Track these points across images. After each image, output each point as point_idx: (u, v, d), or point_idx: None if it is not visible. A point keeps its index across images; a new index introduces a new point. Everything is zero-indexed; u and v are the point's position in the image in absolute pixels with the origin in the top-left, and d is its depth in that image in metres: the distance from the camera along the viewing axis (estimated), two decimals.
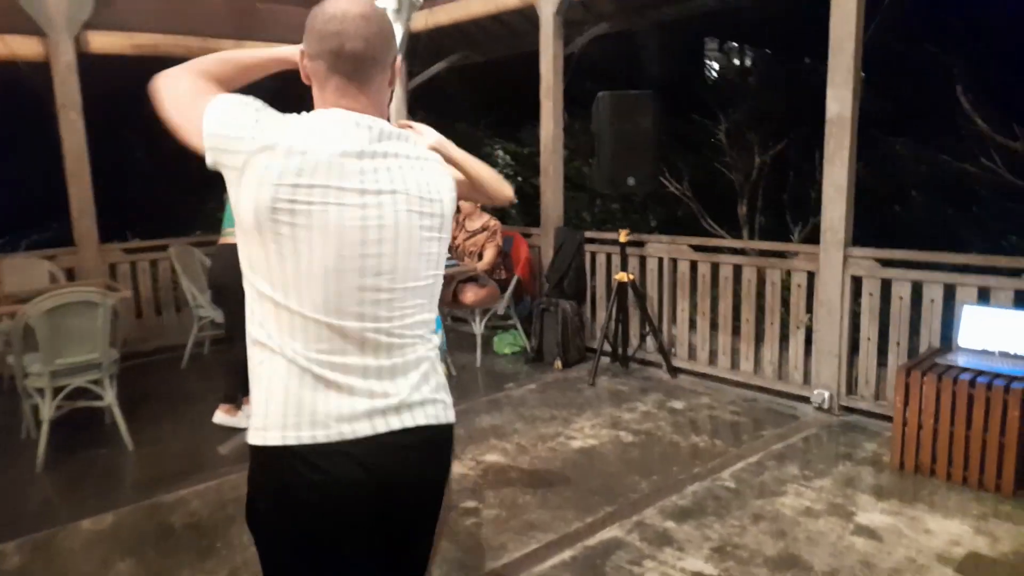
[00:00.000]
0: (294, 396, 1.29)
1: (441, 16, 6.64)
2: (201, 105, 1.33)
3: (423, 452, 1.39)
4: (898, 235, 6.51)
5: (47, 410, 3.85)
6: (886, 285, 3.92)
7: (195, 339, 5.63)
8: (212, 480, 3.60)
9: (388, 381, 1.34)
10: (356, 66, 1.35)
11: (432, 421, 1.39)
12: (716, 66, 11.75)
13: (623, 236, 5.00)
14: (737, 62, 12.11)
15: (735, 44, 11.92)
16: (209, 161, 1.32)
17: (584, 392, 4.77)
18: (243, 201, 1.28)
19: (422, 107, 8.76)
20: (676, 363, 4.99)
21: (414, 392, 1.37)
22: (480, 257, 5.52)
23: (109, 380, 4.06)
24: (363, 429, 1.31)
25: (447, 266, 5.26)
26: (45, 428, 3.83)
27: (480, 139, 9.27)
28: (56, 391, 3.88)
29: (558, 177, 5.66)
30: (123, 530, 3.16)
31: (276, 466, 1.32)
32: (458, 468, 3.63)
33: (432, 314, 1.44)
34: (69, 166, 5.53)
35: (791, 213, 8.62)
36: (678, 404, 4.46)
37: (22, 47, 5.29)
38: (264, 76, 1.59)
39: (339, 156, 1.29)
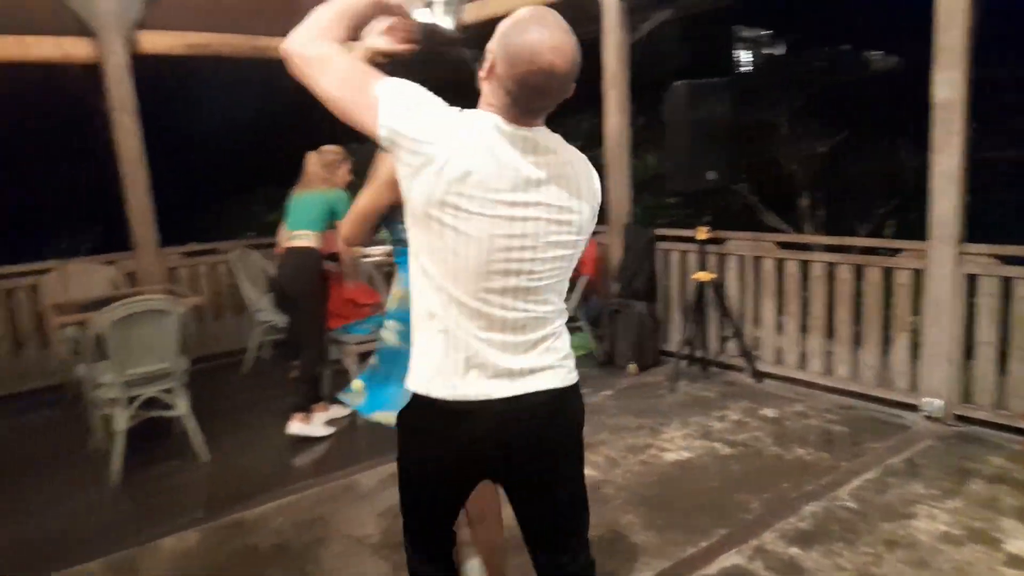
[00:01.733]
0: (451, 360, 1.53)
1: (495, 6, 6.44)
2: (368, 88, 1.46)
3: (548, 407, 1.59)
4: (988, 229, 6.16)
5: (122, 421, 3.73)
6: (1006, 284, 3.63)
7: (256, 343, 5.50)
8: (293, 495, 3.46)
9: (522, 355, 1.55)
10: (540, 104, 1.49)
11: (555, 384, 1.58)
12: (772, 53, 11.42)
13: (702, 233, 4.75)
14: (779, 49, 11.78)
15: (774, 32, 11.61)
16: (384, 145, 1.47)
17: (665, 398, 4.54)
18: (415, 190, 1.46)
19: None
20: (761, 367, 4.73)
21: (539, 360, 1.57)
22: None
23: (181, 389, 3.94)
24: (501, 390, 1.54)
25: None
26: (120, 440, 3.71)
27: None
28: (129, 401, 3.76)
29: (624, 171, 5.41)
30: (207, 551, 3.02)
31: (429, 414, 1.57)
32: None
33: (561, 302, 1.63)
34: (125, 170, 5.43)
35: (856, 205, 8.29)
36: (770, 412, 4.21)
37: (75, 48, 5.19)
38: None
39: (498, 169, 1.45)
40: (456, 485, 1.71)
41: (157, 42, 5.59)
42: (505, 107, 1.46)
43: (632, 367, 5.03)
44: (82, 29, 5.19)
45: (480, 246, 1.46)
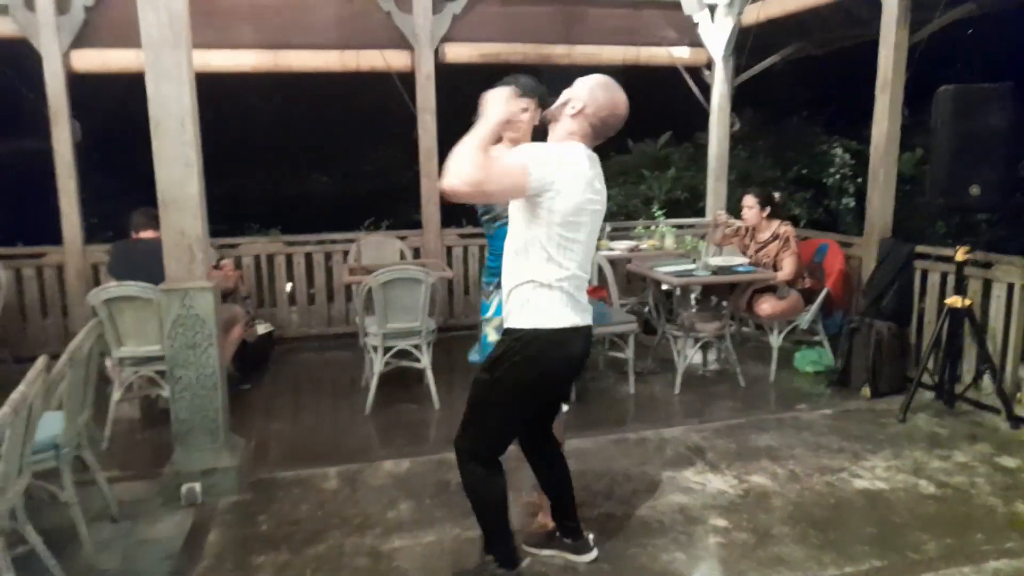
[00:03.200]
0: (568, 305, 2.38)
1: (774, 8, 6.28)
2: (514, 173, 2.23)
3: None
4: None
5: (379, 365, 4.62)
6: None
7: None
8: None
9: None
10: (606, 136, 2.45)
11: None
12: None
13: (960, 254, 4.25)
14: None
15: None
16: (532, 194, 2.25)
17: (889, 428, 4.20)
18: (558, 205, 2.28)
19: (750, 103, 8.38)
20: (1022, 412, 4.10)
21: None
22: (775, 267, 5.12)
23: (426, 346, 4.71)
24: (587, 320, 2.47)
25: (743, 271, 5.01)
26: (374, 381, 4.61)
27: (816, 136, 8.54)
28: (385, 351, 4.63)
29: (889, 182, 5.00)
30: (413, 477, 3.67)
31: (556, 336, 2.37)
32: (717, 483, 3.50)
33: None
34: (422, 161, 6.48)
35: None
36: (1011, 462, 3.68)
37: (395, 59, 6.32)
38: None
39: (589, 180, 2.36)
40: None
41: (458, 52, 6.53)
42: (586, 136, 2.40)
43: (865, 390, 4.69)
44: (403, 43, 6.32)
45: (591, 227, 2.40)
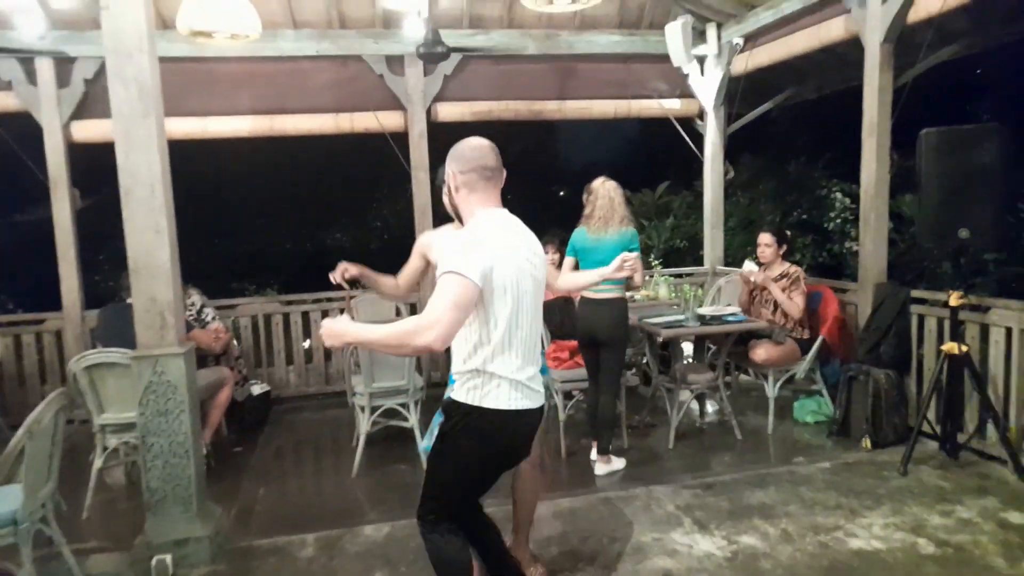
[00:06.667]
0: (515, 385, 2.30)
1: (762, 56, 6.33)
2: (462, 291, 2.10)
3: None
4: None
5: (366, 424, 4.56)
6: None
7: None
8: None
9: None
10: (498, 176, 2.37)
11: None
12: None
13: (954, 299, 4.14)
14: None
15: None
16: (478, 284, 2.13)
17: (890, 481, 4.03)
18: (495, 282, 2.18)
19: (748, 148, 8.40)
20: None
21: None
22: (775, 307, 5.03)
23: (414, 405, 4.65)
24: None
25: (733, 320, 4.89)
26: (362, 441, 4.54)
27: (815, 180, 8.50)
28: (372, 410, 4.58)
29: (881, 226, 4.92)
30: (392, 543, 3.57)
31: (501, 418, 2.27)
32: (705, 545, 3.36)
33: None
34: (417, 218, 6.53)
35: None
36: (1019, 517, 3.51)
37: (388, 120, 6.42)
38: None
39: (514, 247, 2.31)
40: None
41: (449, 111, 6.63)
42: (483, 194, 2.36)
43: (865, 441, 4.53)
44: (396, 104, 6.43)
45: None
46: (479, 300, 2.16)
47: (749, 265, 5.05)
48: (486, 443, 2.30)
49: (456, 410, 2.31)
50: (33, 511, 2.76)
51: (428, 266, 3.32)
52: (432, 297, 2.10)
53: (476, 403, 2.25)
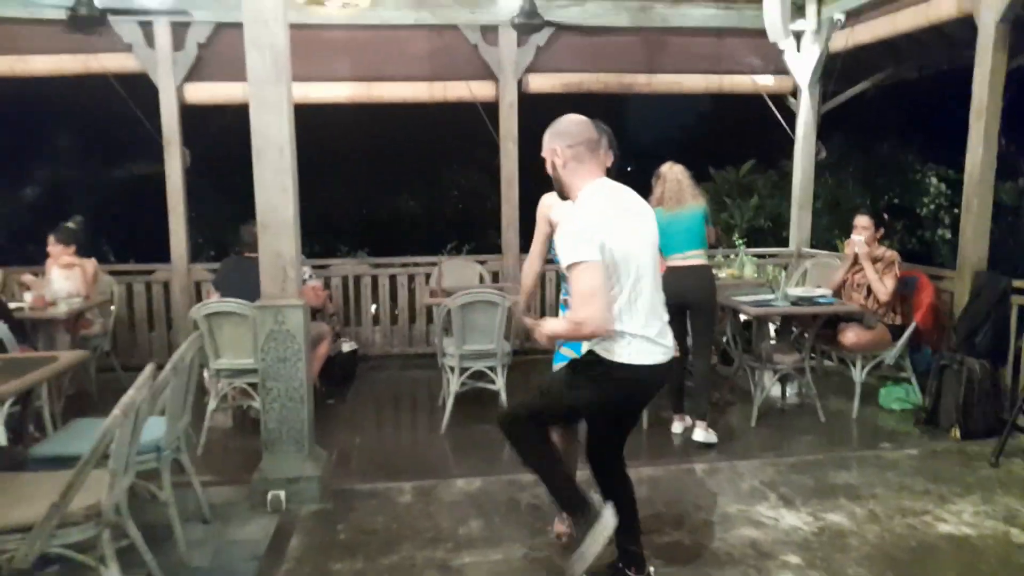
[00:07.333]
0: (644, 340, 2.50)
1: (863, 34, 6.17)
2: (589, 274, 2.32)
3: None
4: None
5: (455, 385, 4.76)
6: None
7: None
8: None
9: None
10: (602, 147, 2.62)
11: None
12: None
13: None
14: None
15: None
16: (601, 259, 2.33)
17: (980, 471, 4.00)
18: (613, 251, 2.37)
19: (839, 129, 8.19)
20: None
21: None
22: (868, 292, 4.97)
23: (501, 368, 4.82)
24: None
25: (823, 302, 4.88)
26: (451, 400, 4.74)
27: (909, 163, 8.23)
28: (462, 371, 4.77)
29: (984, 213, 4.80)
30: (484, 495, 3.76)
31: (630, 371, 2.45)
32: (791, 519, 3.43)
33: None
34: (504, 188, 6.65)
35: None
36: None
37: (479, 90, 6.53)
38: None
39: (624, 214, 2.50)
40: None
41: (541, 83, 6.69)
42: (590, 166, 2.53)
43: (954, 431, 4.48)
44: (488, 74, 6.53)
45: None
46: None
47: (858, 238, 4.99)
48: (609, 391, 2.50)
49: (586, 360, 2.52)
50: (172, 440, 3.04)
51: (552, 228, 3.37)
52: (572, 295, 2.36)
53: (606, 356, 2.44)
